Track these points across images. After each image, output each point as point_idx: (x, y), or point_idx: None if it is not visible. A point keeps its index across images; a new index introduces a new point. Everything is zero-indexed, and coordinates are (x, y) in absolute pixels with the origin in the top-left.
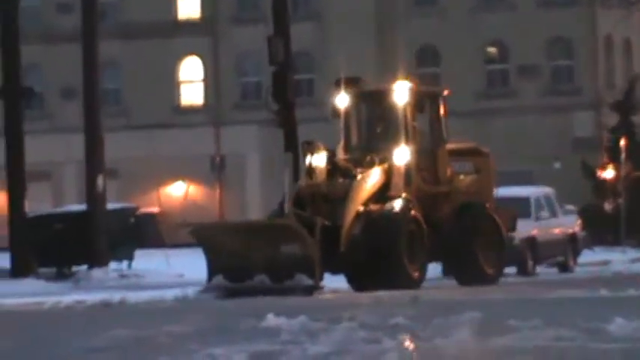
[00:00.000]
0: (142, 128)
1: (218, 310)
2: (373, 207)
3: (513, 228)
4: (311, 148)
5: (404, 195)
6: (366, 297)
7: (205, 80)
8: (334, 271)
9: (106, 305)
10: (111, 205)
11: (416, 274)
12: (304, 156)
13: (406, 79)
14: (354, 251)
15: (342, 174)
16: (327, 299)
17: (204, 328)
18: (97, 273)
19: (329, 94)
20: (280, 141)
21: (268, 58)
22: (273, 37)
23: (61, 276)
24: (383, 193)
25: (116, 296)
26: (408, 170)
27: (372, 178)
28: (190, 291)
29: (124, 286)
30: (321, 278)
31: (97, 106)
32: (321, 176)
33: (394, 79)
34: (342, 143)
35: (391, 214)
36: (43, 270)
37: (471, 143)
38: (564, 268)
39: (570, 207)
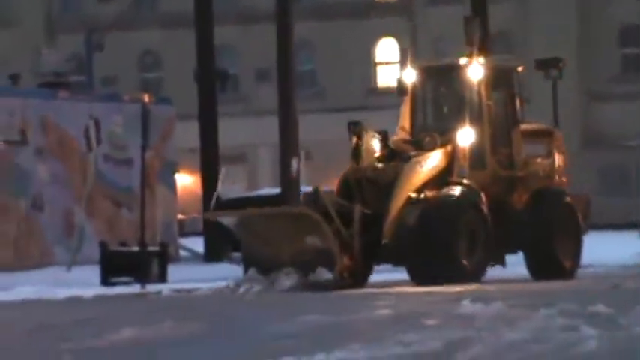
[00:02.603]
0: (337, 110)
1: (410, 296)
2: (429, 193)
3: (588, 216)
4: (357, 130)
5: (465, 181)
6: (563, 284)
7: (401, 61)
8: (378, 262)
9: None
10: (305, 189)
11: (473, 268)
12: (350, 138)
13: (479, 53)
14: (403, 242)
15: (399, 157)
16: (522, 286)
17: (398, 314)
18: None
19: (529, 75)
20: None
21: (465, 39)
22: (470, 18)
23: None
24: (444, 179)
25: None
26: (478, 153)
27: (430, 162)
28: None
29: None
30: (343, 272)
31: (291, 88)
32: (368, 159)
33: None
34: (404, 124)
35: (447, 202)
36: (236, 254)
37: (541, 124)
38: None
39: None
